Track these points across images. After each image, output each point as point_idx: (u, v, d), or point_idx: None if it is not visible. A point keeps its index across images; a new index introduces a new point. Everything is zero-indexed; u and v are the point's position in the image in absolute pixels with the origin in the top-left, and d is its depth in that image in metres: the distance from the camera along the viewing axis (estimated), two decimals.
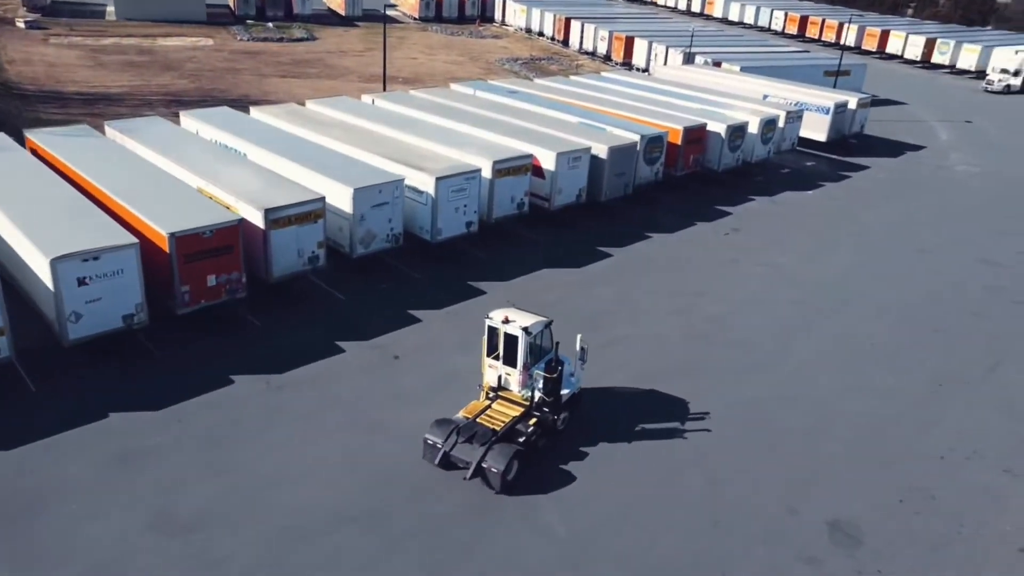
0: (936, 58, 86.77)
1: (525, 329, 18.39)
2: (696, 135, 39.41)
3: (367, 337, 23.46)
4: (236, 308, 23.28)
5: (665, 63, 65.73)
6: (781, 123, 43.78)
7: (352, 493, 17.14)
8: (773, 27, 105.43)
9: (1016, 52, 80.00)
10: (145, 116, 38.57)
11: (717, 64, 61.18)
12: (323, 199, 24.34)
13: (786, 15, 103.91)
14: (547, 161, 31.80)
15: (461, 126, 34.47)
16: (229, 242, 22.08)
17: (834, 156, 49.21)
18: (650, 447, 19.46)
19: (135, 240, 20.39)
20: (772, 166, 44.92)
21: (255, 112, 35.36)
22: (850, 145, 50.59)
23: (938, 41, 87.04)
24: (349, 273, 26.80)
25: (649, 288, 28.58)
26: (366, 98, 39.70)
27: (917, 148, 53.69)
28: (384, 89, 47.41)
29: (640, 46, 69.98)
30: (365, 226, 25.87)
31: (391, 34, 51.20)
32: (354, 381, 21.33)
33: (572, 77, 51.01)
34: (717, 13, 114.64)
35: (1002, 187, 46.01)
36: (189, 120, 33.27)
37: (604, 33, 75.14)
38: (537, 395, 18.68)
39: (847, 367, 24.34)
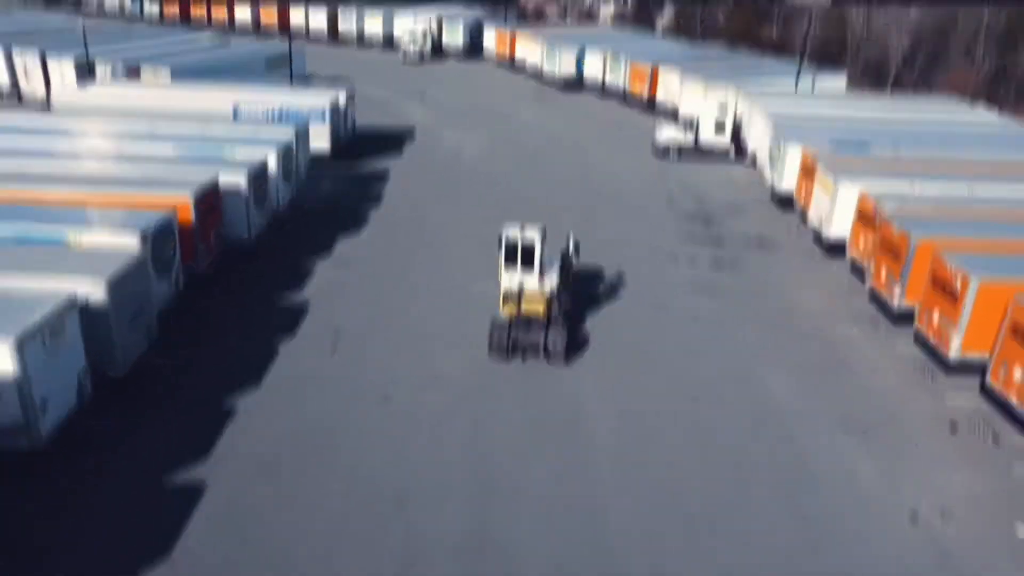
0: (342, 27, 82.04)
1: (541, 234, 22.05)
2: (210, 200, 25.33)
3: None
4: None
5: (48, 82, 46.51)
6: (294, 146, 32.08)
7: None
8: (149, 13, 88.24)
9: (415, 22, 78.64)
10: None
11: (135, 71, 45.11)
12: None
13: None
14: (1, 360, 15.11)
15: None
16: None
17: (344, 168, 39.30)
18: None
19: None
20: (295, 205, 32.76)
21: None
22: (349, 149, 41.10)
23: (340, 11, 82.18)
24: None
25: (327, 535, 15.41)
26: None
27: (409, 132, 47.12)
28: None
29: None
30: None
31: None
32: None
33: None
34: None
35: (515, 166, 42.42)
36: None
37: None
38: (556, 284, 22.06)
39: (655, 496, 15.75)
